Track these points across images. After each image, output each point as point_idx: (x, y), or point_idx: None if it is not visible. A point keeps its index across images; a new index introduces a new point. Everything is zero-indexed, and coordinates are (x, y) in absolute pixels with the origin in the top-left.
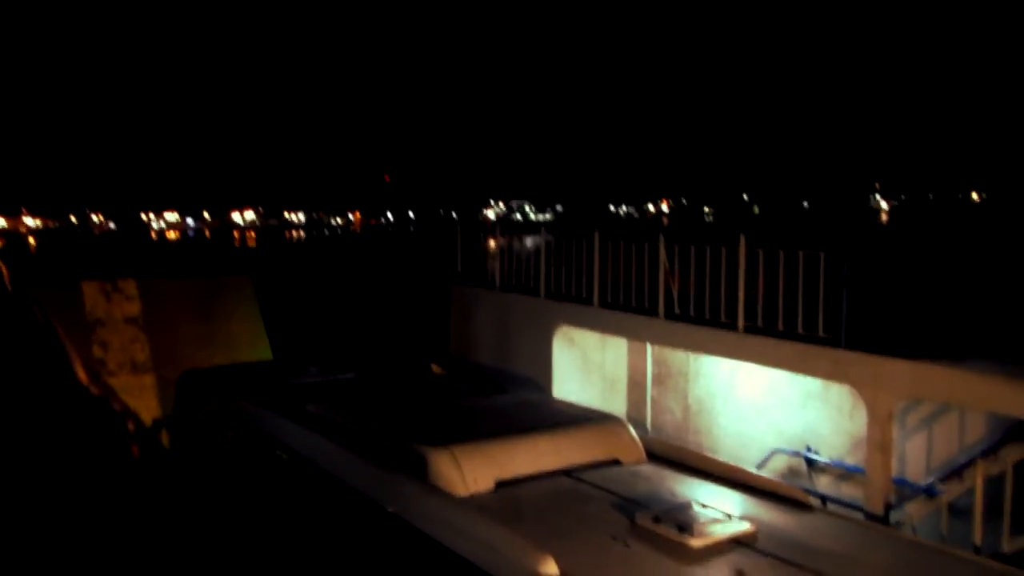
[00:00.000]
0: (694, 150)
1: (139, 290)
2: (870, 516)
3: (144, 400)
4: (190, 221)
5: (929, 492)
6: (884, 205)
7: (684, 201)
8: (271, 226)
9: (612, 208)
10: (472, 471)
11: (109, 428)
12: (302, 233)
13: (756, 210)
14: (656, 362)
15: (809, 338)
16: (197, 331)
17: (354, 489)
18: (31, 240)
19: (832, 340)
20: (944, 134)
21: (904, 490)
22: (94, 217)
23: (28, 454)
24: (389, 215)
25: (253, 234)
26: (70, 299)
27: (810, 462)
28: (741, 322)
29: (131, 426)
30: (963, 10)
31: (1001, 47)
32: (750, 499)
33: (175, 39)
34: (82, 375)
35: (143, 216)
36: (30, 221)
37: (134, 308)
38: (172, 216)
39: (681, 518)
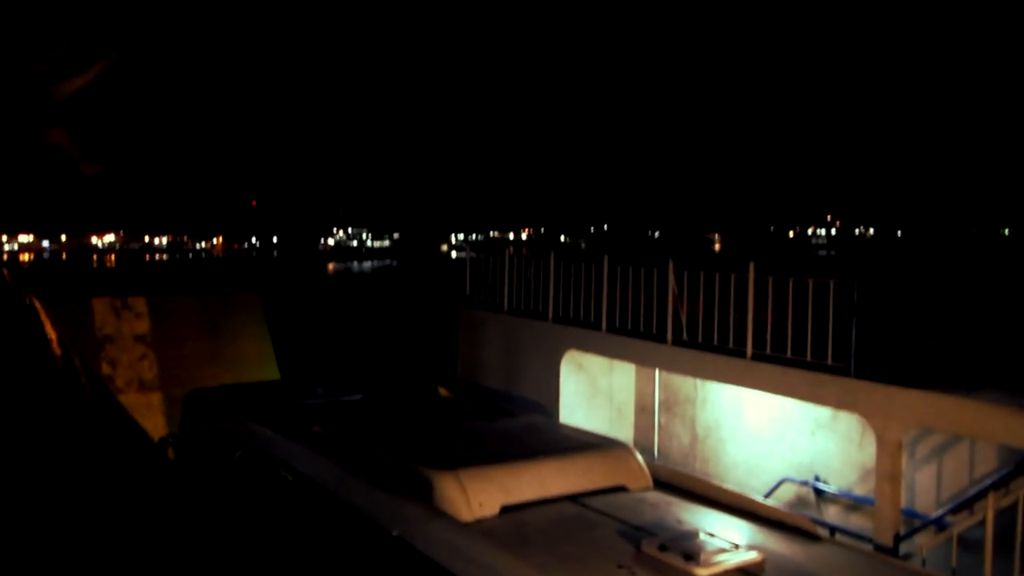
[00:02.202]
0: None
1: (148, 308)
2: (879, 547)
3: (151, 418)
4: (45, 243)
5: (939, 524)
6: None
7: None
8: (132, 249)
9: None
10: (477, 495)
11: (115, 442)
12: (164, 256)
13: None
14: (664, 388)
15: (818, 366)
16: (205, 350)
17: (359, 511)
18: None
19: (841, 369)
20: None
21: (914, 521)
22: None
23: (31, 464)
24: (254, 240)
25: (113, 257)
26: (80, 314)
27: (819, 492)
28: (750, 349)
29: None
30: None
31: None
32: (757, 528)
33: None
34: (88, 388)
35: None
36: None
37: (143, 326)
38: (26, 238)
39: (687, 547)
